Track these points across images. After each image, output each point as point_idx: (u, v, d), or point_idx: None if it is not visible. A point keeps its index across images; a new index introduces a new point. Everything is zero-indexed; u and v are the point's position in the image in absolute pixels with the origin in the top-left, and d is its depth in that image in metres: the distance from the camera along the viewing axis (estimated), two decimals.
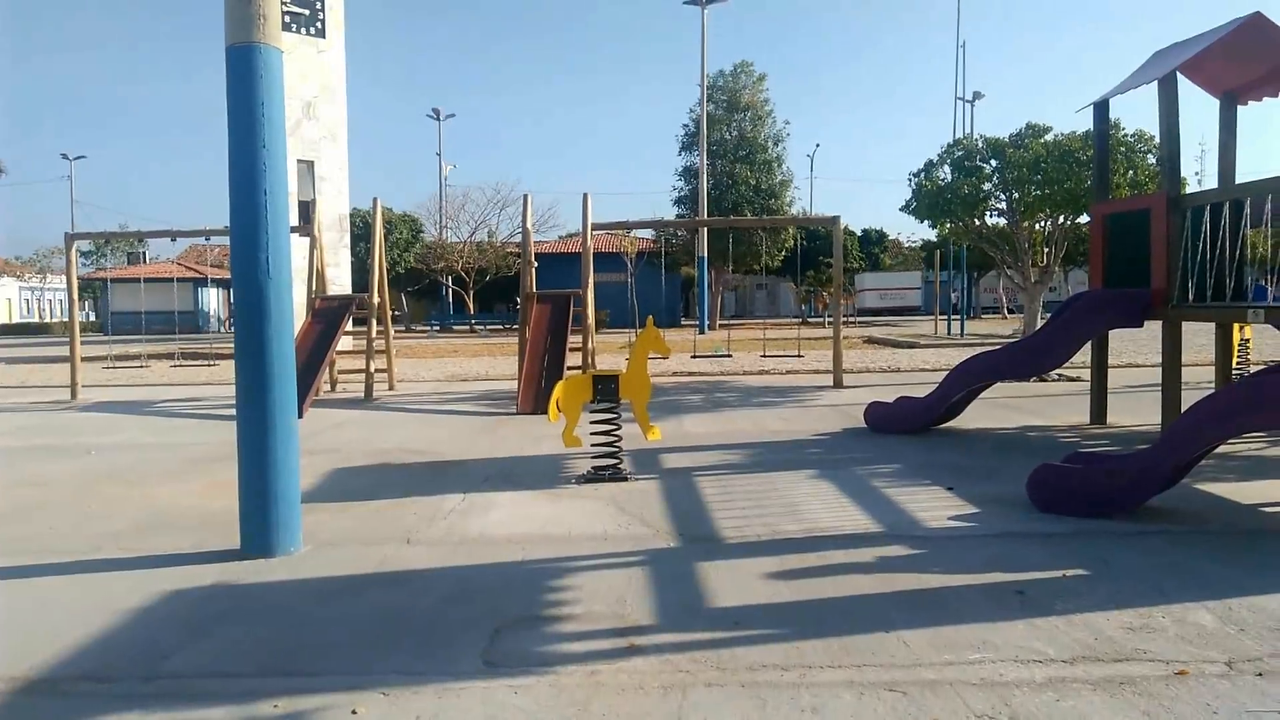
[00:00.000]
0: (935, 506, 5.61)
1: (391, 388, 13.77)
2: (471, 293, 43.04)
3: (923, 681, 3.05)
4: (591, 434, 6.54)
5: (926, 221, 16.45)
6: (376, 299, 13.15)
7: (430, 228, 45.52)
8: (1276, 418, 5.39)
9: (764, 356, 15.90)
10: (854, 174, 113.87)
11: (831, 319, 13.68)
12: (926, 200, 15.63)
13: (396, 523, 5.42)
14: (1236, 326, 8.94)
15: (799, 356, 15.96)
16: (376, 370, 13.12)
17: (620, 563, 4.52)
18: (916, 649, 3.34)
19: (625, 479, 6.47)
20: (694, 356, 16.90)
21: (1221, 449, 6.99)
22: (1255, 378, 5.76)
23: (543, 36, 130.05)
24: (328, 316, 12.51)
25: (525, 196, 12.91)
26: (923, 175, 16.12)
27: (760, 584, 4.15)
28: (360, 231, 30.97)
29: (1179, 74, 8.10)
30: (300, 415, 5.88)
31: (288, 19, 21.07)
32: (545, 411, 7.45)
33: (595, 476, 6.49)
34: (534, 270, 12.53)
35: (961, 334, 27.70)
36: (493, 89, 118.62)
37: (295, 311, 5.04)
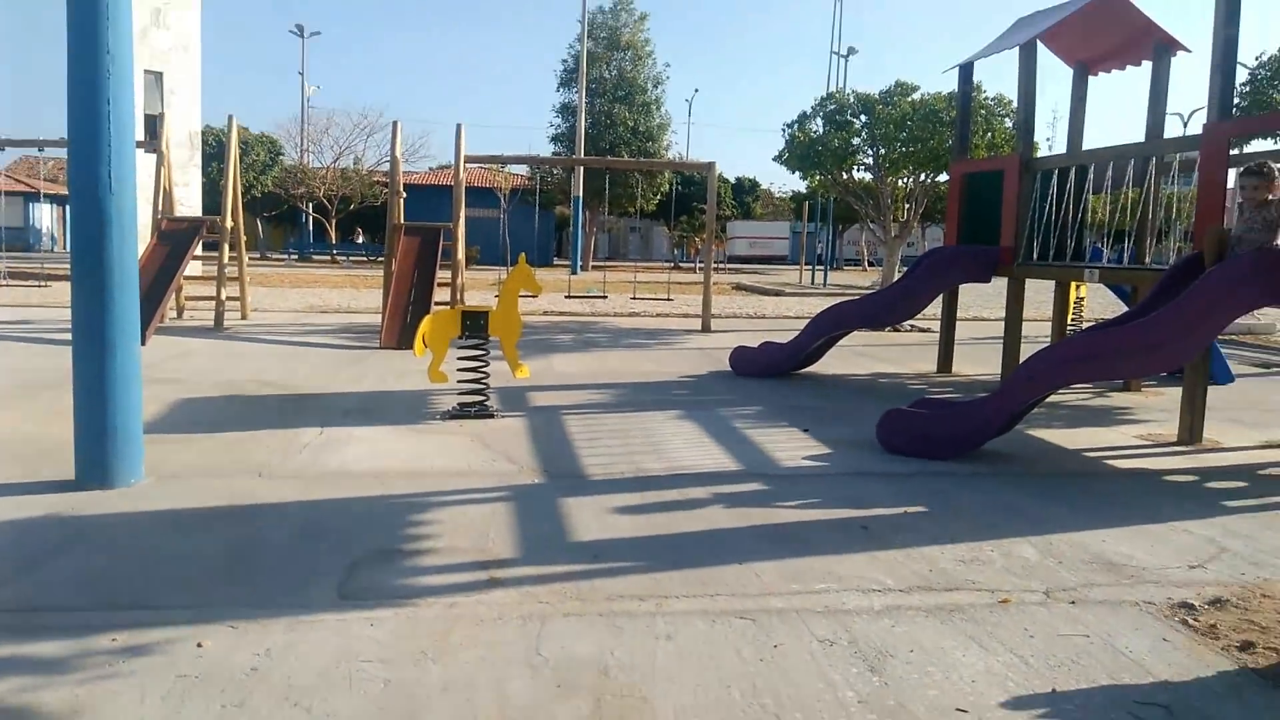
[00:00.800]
0: (792, 447, 5.83)
1: (244, 317, 13.14)
2: (334, 221, 41.33)
3: (771, 610, 3.20)
4: (458, 370, 6.45)
5: (797, 173, 16.82)
6: (229, 222, 12.44)
7: (291, 151, 43.28)
8: (1101, 370, 5.84)
9: (635, 299, 15.99)
10: (731, 122, 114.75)
11: (702, 264, 13.86)
12: (798, 152, 15.96)
13: (247, 456, 5.21)
14: (1073, 285, 9.58)
15: (669, 300, 16.13)
16: (228, 298, 12.46)
17: (483, 498, 4.50)
18: (767, 580, 3.49)
19: (491, 416, 6.43)
20: (567, 296, 16.82)
21: (1051, 399, 7.53)
22: (1085, 333, 6.21)
23: None
24: (175, 239, 11.75)
25: (394, 123, 12.41)
26: (796, 127, 16.43)
27: (622, 519, 4.22)
28: (213, 150, 29.11)
29: (1039, 42, 8.49)
30: (143, 342, 5.53)
31: None
32: (410, 346, 7.28)
33: (461, 413, 6.42)
34: (402, 201, 12.12)
35: (825, 284, 28.63)
36: (361, 8, 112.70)
37: (139, 233, 4.70)
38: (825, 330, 8.78)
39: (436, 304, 10.94)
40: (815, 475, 5.16)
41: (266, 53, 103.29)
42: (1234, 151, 6.74)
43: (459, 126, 12.69)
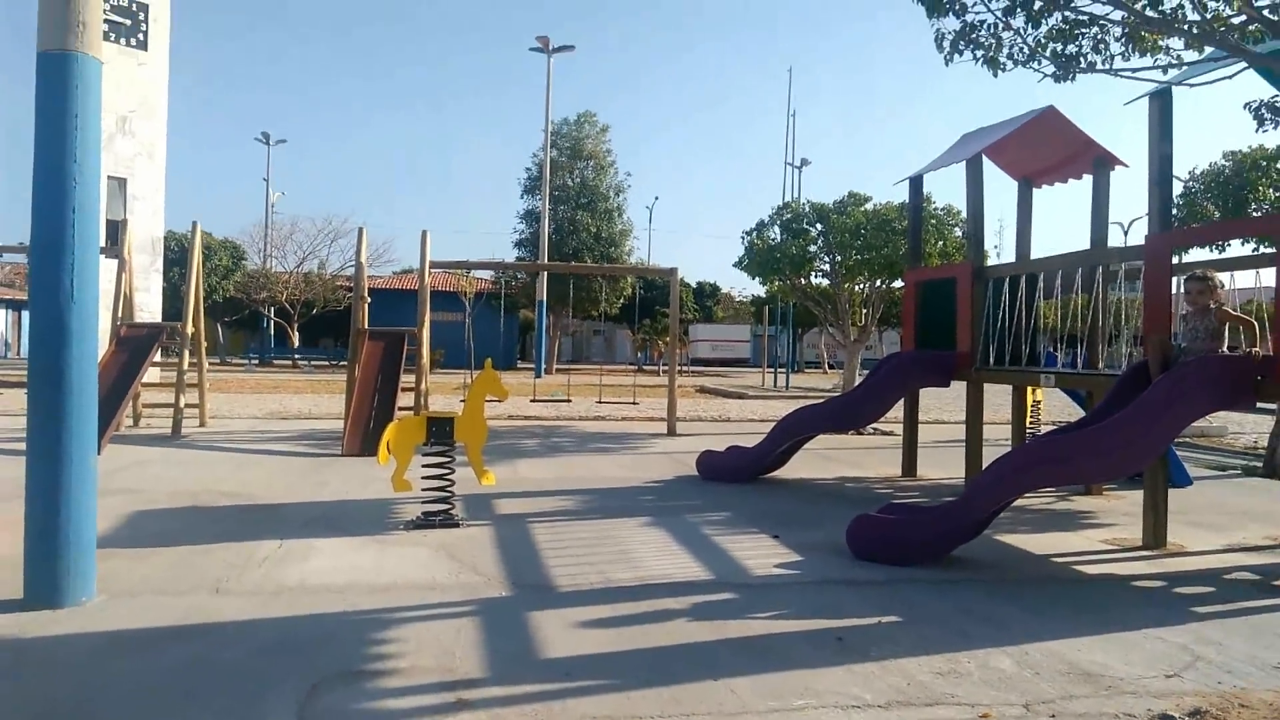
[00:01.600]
0: (762, 554, 5.78)
1: (203, 424, 12.91)
2: (296, 326, 41.14)
3: None
4: (423, 478, 6.35)
5: (757, 278, 17.16)
6: (190, 328, 12.34)
7: (254, 256, 43.34)
8: (1064, 475, 5.92)
9: (600, 402, 16.00)
10: (690, 228, 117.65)
11: (666, 367, 13.97)
12: (758, 258, 16.31)
13: (204, 571, 5.04)
14: (1030, 389, 9.78)
15: (634, 404, 16.17)
16: (187, 405, 12.26)
17: (449, 613, 4.38)
18: (744, 696, 3.40)
19: (457, 525, 6.31)
20: (532, 400, 16.79)
21: (1017, 503, 7.57)
22: (1046, 437, 6.31)
23: (387, 71, 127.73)
24: (134, 345, 11.61)
25: (360, 229, 12.53)
26: (754, 234, 16.83)
27: (592, 633, 4.12)
28: (175, 255, 29.10)
29: (984, 156, 8.89)
30: (99, 451, 5.41)
31: (107, 28, 19.74)
32: (374, 453, 7.18)
33: (425, 522, 6.29)
34: (367, 306, 12.14)
35: (787, 386, 28.90)
36: (328, 118, 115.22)
37: (98, 340, 4.65)
38: (791, 434, 8.83)
39: (400, 410, 10.85)
40: (787, 584, 5.10)
41: (232, 160, 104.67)
42: (1175, 260, 7.02)
43: (424, 233, 12.85)
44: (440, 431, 6.39)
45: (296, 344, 41.27)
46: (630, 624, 4.28)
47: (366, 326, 12.00)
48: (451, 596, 4.64)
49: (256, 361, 39.19)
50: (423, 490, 6.37)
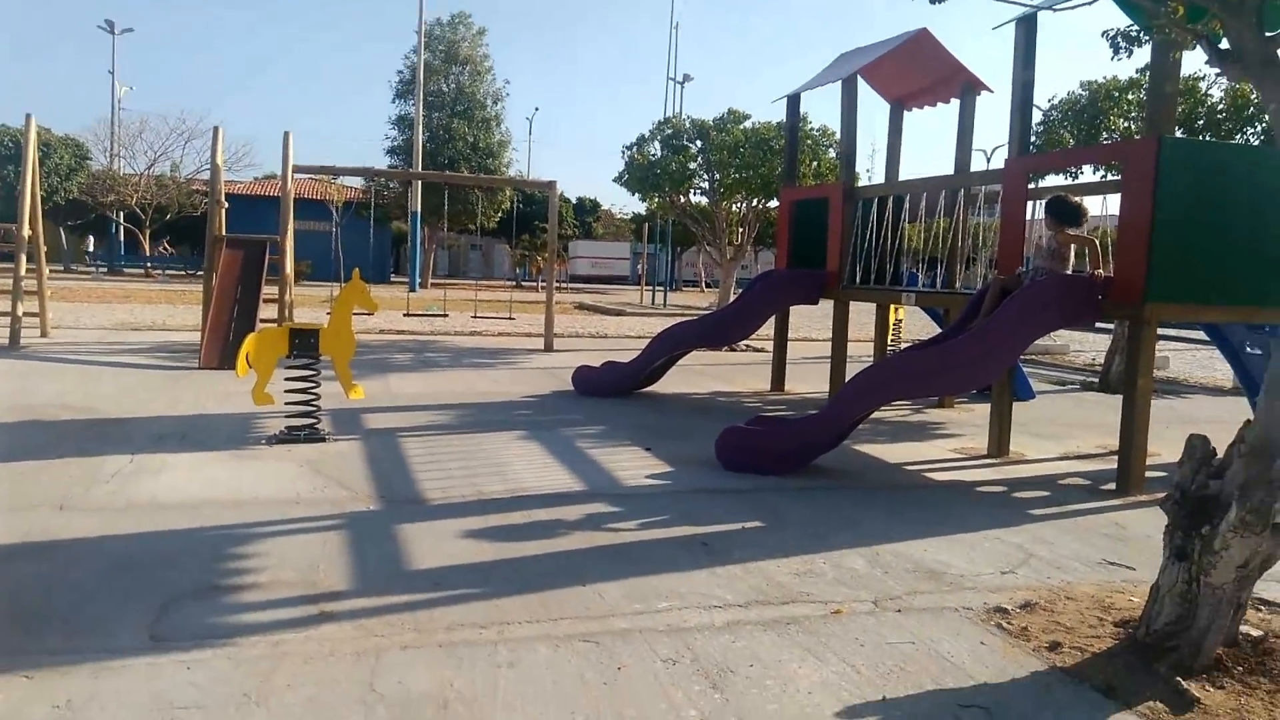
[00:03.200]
0: (635, 466, 5.87)
1: (44, 334, 12.03)
2: (148, 232, 38.55)
3: (615, 631, 3.19)
4: (286, 391, 6.12)
5: (637, 194, 17.08)
6: (27, 231, 11.38)
7: (99, 155, 40.09)
8: (918, 388, 6.22)
9: (476, 317, 15.74)
10: (572, 142, 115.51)
11: (545, 283, 13.83)
12: (637, 174, 16.23)
13: (47, 487, 4.75)
14: (892, 308, 10.16)
15: (511, 319, 15.99)
16: (26, 314, 11.38)
17: (314, 528, 4.29)
18: (611, 600, 3.48)
19: (323, 440, 6.14)
20: (405, 315, 16.36)
21: (874, 415, 7.93)
22: (902, 353, 6.59)
23: None
24: None
25: (216, 128, 11.74)
26: (635, 149, 16.70)
27: (463, 544, 4.12)
28: (9, 153, 26.64)
29: (859, 78, 9.00)
30: None
31: None
32: (233, 367, 6.85)
33: (289, 437, 6.10)
34: (224, 211, 11.45)
35: (665, 304, 29.20)
36: (178, 7, 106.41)
37: None
38: (666, 350, 8.93)
39: (262, 321, 10.38)
40: (658, 494, 5.21)
41: (73, 50, 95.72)
42: (1031, 185, 7.35)
43: (287, 134, 12.15)
44: (304, 344, 6.15)
45: (149, 251, 38.76)
46: (502, 535, 4.30)
47: (225, 233, 11.34)
48: (316, 511, 4.54)
49: (104, 269, 36.69)
50: (286, 405, 6.15)
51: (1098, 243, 6.16)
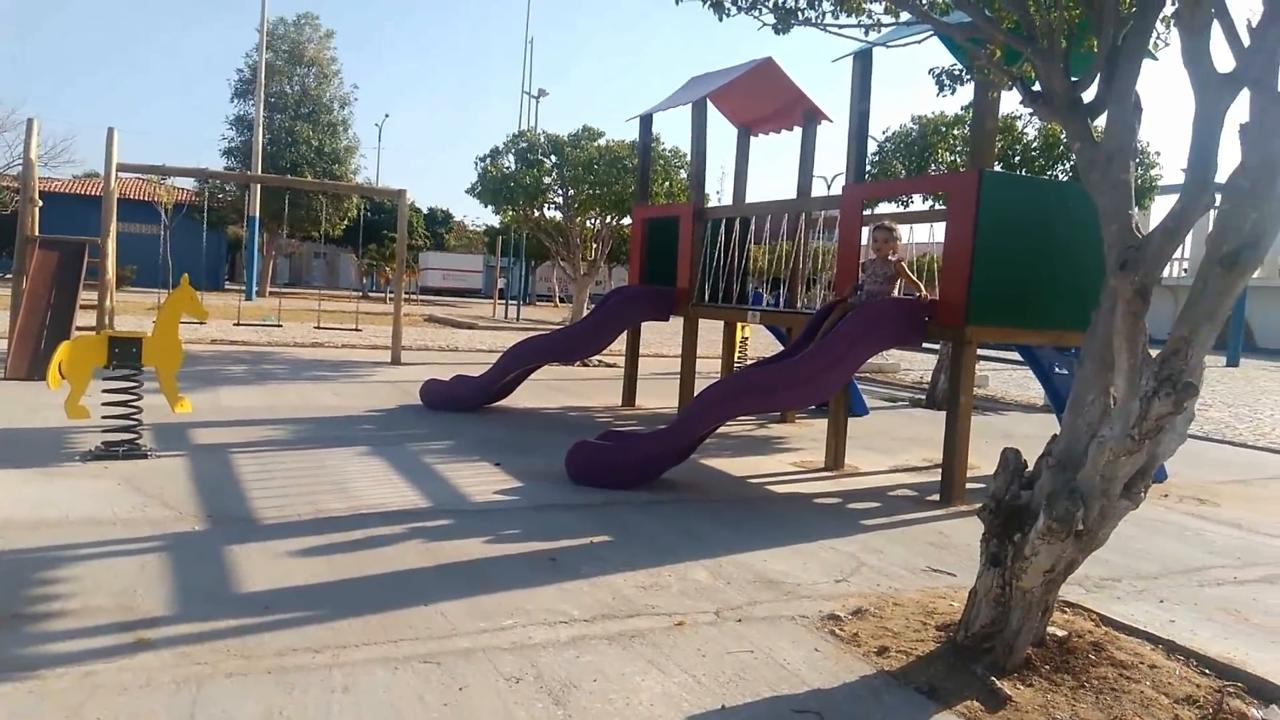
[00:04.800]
0: (483, 481, 5.78)
1: None
2: None
3: (458, 651, 3.13)
4: (103, 404, 5.68)
5: (490, 206, 16.91)
6: None
7: None
8: (761, 403, 6.43)
9: (319, 328, 15.16)
10: (424, 152, 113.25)
11: (393, 294, 13.47)
12: (491, 186, 16.07)
13: None
14: (740, 325, 10.48)
15: (357, 330, 15.48)
16: None
17: (132, 549, 3.99)
18: (454, 619, 3.41)
19: (144, 456, 5.74)
20: (238, 324, 15.55)
21: (721, 430, 8.14)
22: (746, 370, 6.80)
23: None
24: None
25: (30, 120, 10.82)
26: (489, 161, 16.54)
27: (298, 565, 3.93)
28: None
29: (709, 102, 9.25)
30: None
31: None
32: (44, 377, 6.31)
33: (106, 453, 5.66)
34: (38, 210, 10.56)
35: (518, 318, 29.00)
36: None
37: None
38: (518, 364, 8.86)
39: (79, 329, 9.63)
40: (506, 509, 5.15)
41: None
42: (867, 211, 7.76)
43: (110, 130, 11.37)
44: (125, 353, 5.74)
45: None
46: (341, 554, 4.13)
47: (38, 234, 10.46)
48: (136, 532, 4.23)
49: None
50: (103, 419, 5.71)
51: (918, 281, 6.65)
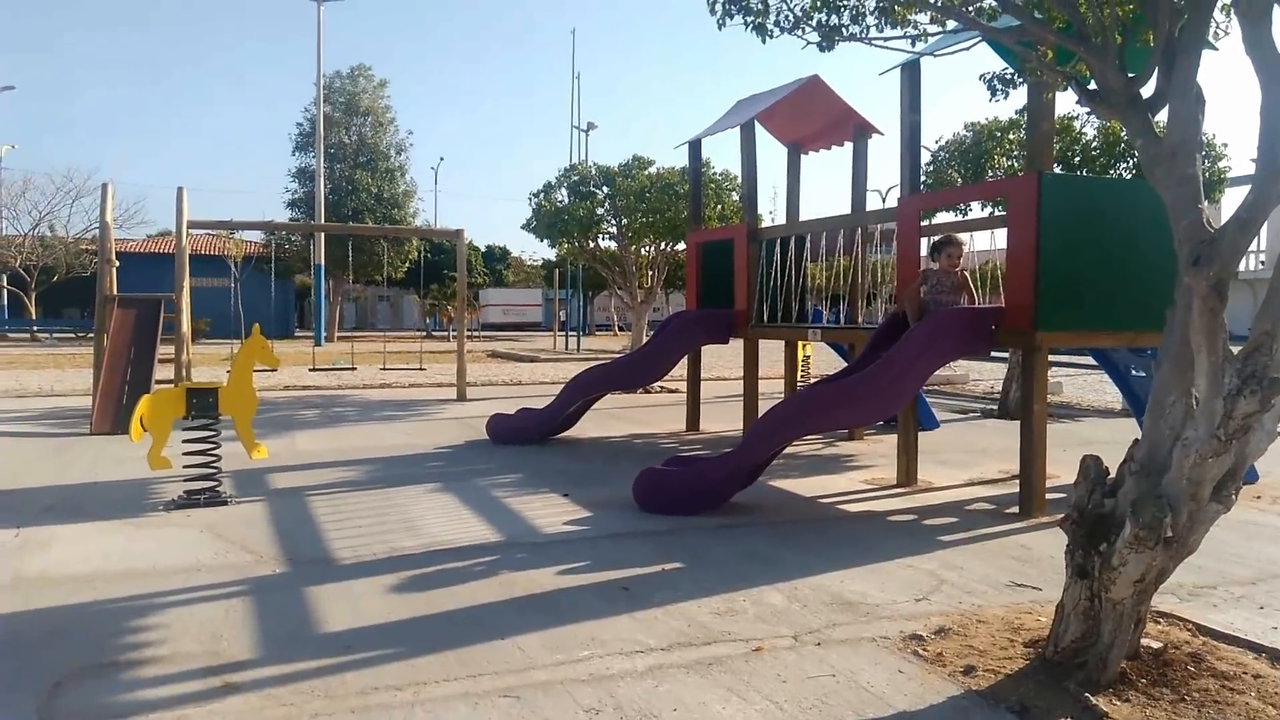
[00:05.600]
0: (552, 513, 5.81)
1: None
2: (33, 295, 36.75)
3: (535, 684, 3.13)
4: (184, 454, 5.87)
5: (546, 240, 17.11)
6: None
7: None
8: (827, 422, 6.35)
9: (385, 369, 15.46)
10: (479, 191, 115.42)
11: (455, 332, 13.69)
12: (545, 220, 16.25)
13: None
14: (800, 344, 10.39)
15: (422, 369, 15.76)
16: None
17: (216, 595, 4.10)
18: (531, 652, 3.42)
19: (225, 502, 5.90)
20: (310, 369, 15.96)
21: (788, 450, 8.05)
22: (811, 388, 6.73)
23: (139, 19, 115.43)
24: None
25: (105, 185, 11.35)
26: (542, 196, 16.75)
27: (375, 604, 3.99)
28: None
29: (756, 122, 9.26)
30: None
31: None
32: (127, 431, 6.54)
33: (188, 502, 5.84)
34: (115, 270, 11.01)
35: (578, 349, 29.19)
36: (67, 65, 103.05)
37: None
38: (581, 394, 8.91)
39: (158, 383, 9.99)
40: (576, 540, 5.16)
41: None
42: (924, 222, 7.65)
43: (180, 189, 11.83)
44: (202, 404, 5.92)
45: (35, 315, 36.92)
46: (416, 591, 4.18)
47: (116, 292, 10.90)
48: (219, 578, 4.34)
49: None
50: (184, 468, 5.89)
51: (975, 294, 6.62)
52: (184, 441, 5.87)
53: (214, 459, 5.93)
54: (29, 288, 36.42)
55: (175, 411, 5.91)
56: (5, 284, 37.08)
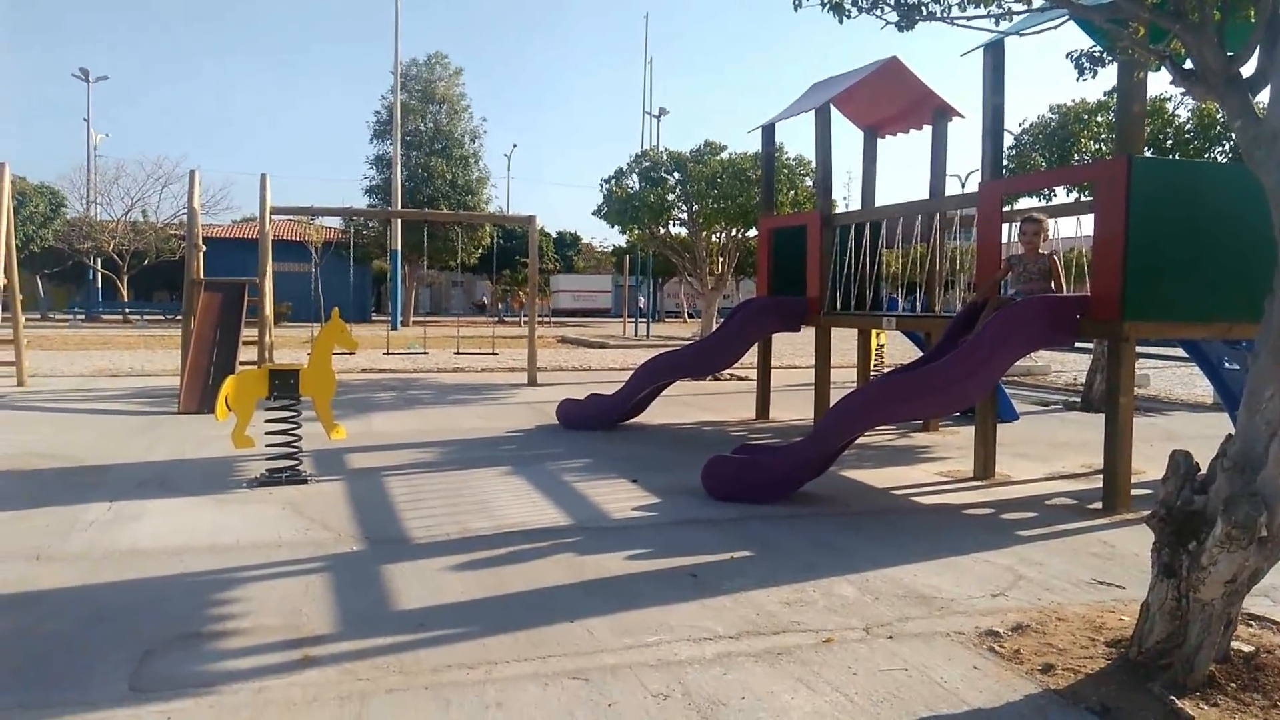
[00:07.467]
0: (621, 498, 5.83)
1: (21, 384, 11.88)
2: (125, 278, 38.32)
3: (604, 667, 3.15)
4: (266, 434, 6.06)
5: (616, 227, 17.13)
6: (3, 280, 11.29)
7: (75, 203, 39.91)
8: (901, 412, 6.23)
9: (459, 354, 15.69)
10: (550, 177, 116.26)
11: (527, 318, 13.82)
12: (616, 206, 16.27)
13: (22, 537, 4.66)
14: (874, 332, 10.21)
15: (494, 354, 15.97)
16: (2, 363, 11.26)
17: (297, 570, 4.22)
18: (600, 636, 3.44)
19: (305, 481, 6.07)
20: (386, 353, 16.31)
21: (860, 440, 7.93)
22: (886, 377, 6.61)
23: (223, 8, 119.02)
24: None
25: (192, 172, 11.72)
26: (613, 182, 16.76)
27: (449, 583, 4.06)
28: None
29: (832, 106, 9.10)
30: None
31: None
32: (212, 410, 6.79)
33: (270, 479, 6.02)
34: (202, 255, 11.40)
35: (648, 335, 29.24)
36: (158, 58, 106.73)
37: None
38: (650, 380, 8.92)
39: (242, 364, 10.31)
40: (645, 525, 5.17)
41: (47, 99, 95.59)
42: (1006, 208, 7.43)
43: (264, 176, 12.17)
44: (284, 384, 6.10)
45: (127, 298, 38.50)
46: (488, 572, 4.25)
47: (203, 276, 11.28)
48: (299, 554, 4.47)
49: (82, 316, 36.37)
50: (266, 447, 6.08)
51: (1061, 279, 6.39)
52: (266, 421, 6.06)
53: (295, 438, 6.10)
54: (121, 271, 38.00)
55: (258, 392, 6.10)
56: (99, 268, 38.71)
